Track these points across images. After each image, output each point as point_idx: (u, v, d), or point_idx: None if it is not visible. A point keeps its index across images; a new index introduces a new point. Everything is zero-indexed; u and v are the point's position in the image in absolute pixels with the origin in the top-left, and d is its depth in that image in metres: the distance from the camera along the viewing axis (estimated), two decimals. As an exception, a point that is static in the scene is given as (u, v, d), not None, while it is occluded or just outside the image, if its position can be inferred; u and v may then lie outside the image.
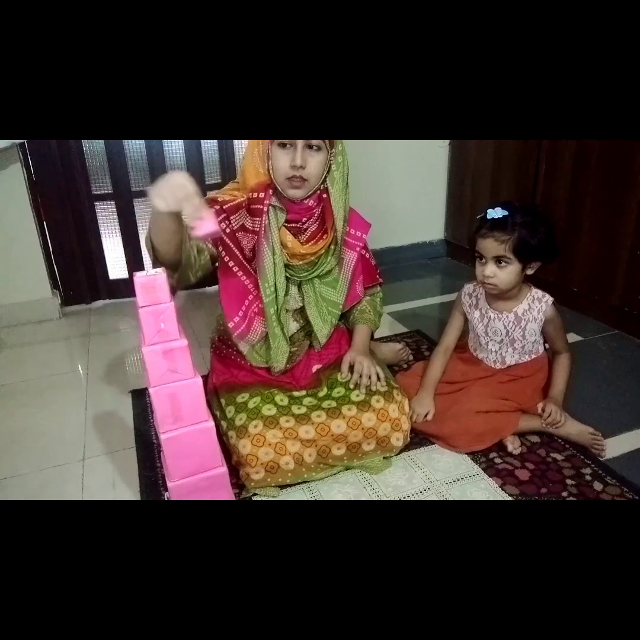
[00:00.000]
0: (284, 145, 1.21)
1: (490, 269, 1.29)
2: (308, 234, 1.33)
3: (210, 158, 2.34)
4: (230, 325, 1.32)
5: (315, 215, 1.32)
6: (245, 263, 1.30)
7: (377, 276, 1.53)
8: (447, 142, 2.64)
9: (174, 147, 2.28)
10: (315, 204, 1.30)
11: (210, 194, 2.45)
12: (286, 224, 1.30)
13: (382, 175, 2.56)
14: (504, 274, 1.29)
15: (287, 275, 1.34)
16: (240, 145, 2.37)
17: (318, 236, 1.33)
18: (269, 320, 1.32)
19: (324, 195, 1.30)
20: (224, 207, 1.27)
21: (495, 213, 1.26)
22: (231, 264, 1.29)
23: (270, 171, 1.24)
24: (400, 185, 2.63)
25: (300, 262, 1.32)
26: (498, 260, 1.28)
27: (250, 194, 1.26)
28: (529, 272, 1.32)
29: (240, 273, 1.31)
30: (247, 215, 1.28)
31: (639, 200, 1.78)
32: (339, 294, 1.41)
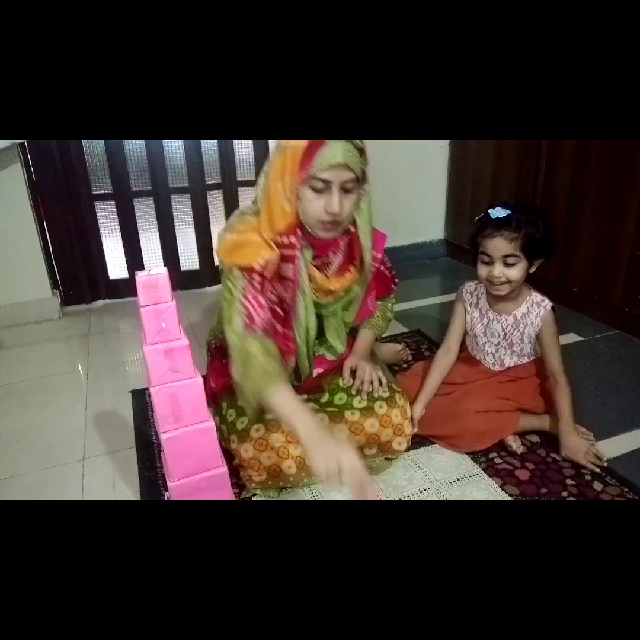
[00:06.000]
0: (317, 189, 1.09)
1: (498, 269, 1.27)
2: (334, 268, 1.26)
3: (210, 158, 2.34)
4: None
5: (341, 247, 1.25)
6: (283, 315, 1.25)
7: (392, 285, 1.47)
8: (447, 142, 2.64)
9: (174, 147, 2.28)
10: (341, 237, 1.23)
11: (211, 197, 2.43)
12: (312, 261, 1.22)
13: (381, 175, 2.55)
14: (514, 273, 1.27)
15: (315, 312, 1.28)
16: (241, 145, 2.37)
17: (345, 268, 1.27)
18: (301, 358, 1.31)
19: (351, 228, 1.22)
20: (265, 273, 1.16)
21: (499, 212, 1.25)
22: (278, 327, 1.24)
23: (299, 211, 1.13)
24: (400, 185, 2.63)
25: (329, 298, 1.27)
26: (506, 259, 1.27)
27: (279, 238, 1.15)
28: (532, 270, 1.31)
29: (282, 330, 1.26)
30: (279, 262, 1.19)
31: (639, 201, 1.78)
32: (351, 313, 1.38)
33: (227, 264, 1.17)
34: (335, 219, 1.12)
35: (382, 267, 1.42)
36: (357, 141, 1.10)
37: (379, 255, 1.35)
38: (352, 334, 1.48)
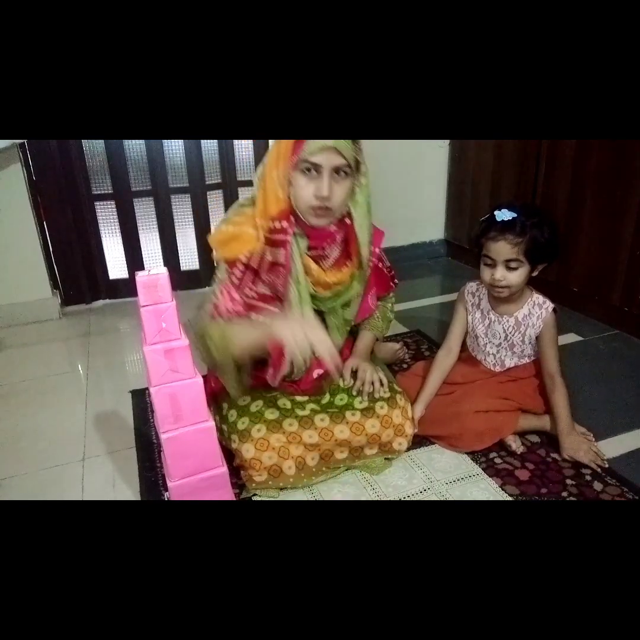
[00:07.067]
0: (308, 171, 1.10)
1: (500, 272, 1.26)
2: (331, 260, 1.25)
3: (210, 158, 2.34)
4: (268, 376, 1.29)
5: (338, 240, 1.23)
6: (275, 304, 1.24)
7: (391, 284, 1.46)
8: (447, 142, 2.64)
9: (174, 147, 2.28)
10: (337, 229, 1.21)
11: (211, 197, 2.43)
12: (308, 252, 1.21)
13: (382, 175, 2.55)
14: (515, 277, 1.26)
15: (314, 307, 1.27)
16: (241, 145, 2.37)
17: (342, 262, 1.26)
18: None
19: (347, 220, 1.22)
20: (250, 264, 1.19)
21: (504, 215, 1.23)
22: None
23: (291, 197, 1.14)
24: (401, 185, 2.63)
25: (327, 292, 1.26)
26: (509, 263, 1.26)
27: (271, 223, 1.16)
28: (535, 273, 1.30)
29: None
30: (269, 248, 1.18)
31: (639, 201, 1.78)
32: (352, 311, 1.36)
33: (217, 256, 1.24)
34: (325, 204, 1.12)
35: (380, 264, 1.41)
36: None
37: (376, 250, 1.35)
38: (352, 334, 1.48)
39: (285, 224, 1.15)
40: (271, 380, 1.30)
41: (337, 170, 1.10)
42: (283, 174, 1.12)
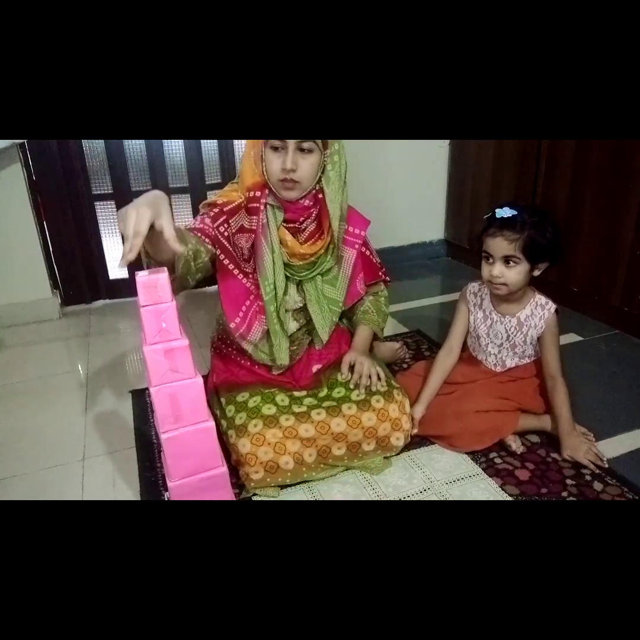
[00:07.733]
0: (276, 148, 1.22)
1: (498, 268, 1.27)
2: (306, 234, 1.33)
3: (210, 158, 2.35)
4: (232, 325, 1.33)
5: (313, 215, 1.32)
6: (243, 264, 1.32)
7: (380, 274, 1.51)
8: (447, 142, 2.64)
9: (174, 147, 2.28)
10: (311, 203, 1.30)
11: (211, 196, 2.48)
12: (285, 224, 1.31)
13: (382, 175, 2.57)
14: (513, 274, 1.27)
15: (288, 274, 1.34)
16: (240, 146, 2.37)
17: (316, 236, 1.34)
18: (269, 318, 1.33)
19: (320, 195, 1.30)
20: (224, 209, 1.28)
21: (504, 212, 1.24)
22: (231, 266, 1.31)
23: (265, 173, 1.26)
24: (401, 185, 2.63)
25: (300, 262, 1.32)
26: (507, 260, 1.26)
27: (248, 193, 1.28)
28: (537, 273, 1.30)
29: (240, 275, 1.32)
30: (246, 215, 1.30)
31: (639, 201, 1.78)
32: (339, 291, 1.41)
33: (201, 211, 1.34)
34: (291, 177, 1.23)
35: (367, 251, 1.47)
36: None
37: (362, 233, 1.42)
38: (349, 326, 1.51)
39: (258, 193, 1.28)
40: (237, 336, 1.34)
41: (302, 146, 1.21)
42: (257, 152, 1.26)
